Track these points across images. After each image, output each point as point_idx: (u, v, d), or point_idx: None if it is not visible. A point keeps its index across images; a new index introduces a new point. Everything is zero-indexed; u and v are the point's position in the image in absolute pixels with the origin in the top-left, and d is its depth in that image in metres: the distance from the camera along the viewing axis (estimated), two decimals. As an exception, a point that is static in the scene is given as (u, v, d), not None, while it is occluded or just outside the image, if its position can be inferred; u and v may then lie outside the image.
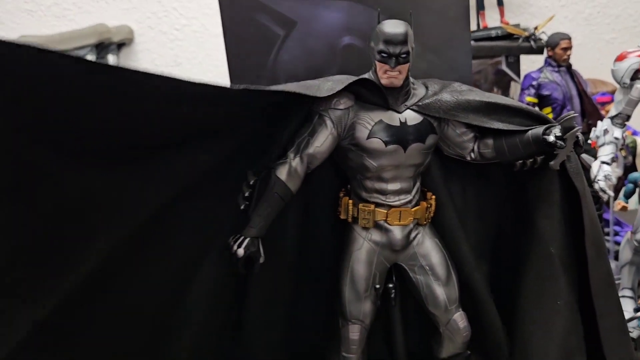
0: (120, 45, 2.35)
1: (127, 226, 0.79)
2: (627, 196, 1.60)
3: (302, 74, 1.02)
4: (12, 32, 2.16)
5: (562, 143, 0.85)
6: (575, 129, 0.84)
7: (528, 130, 0.90)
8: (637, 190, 1.56)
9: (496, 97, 0.94)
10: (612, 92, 1.76)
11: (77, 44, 2.20)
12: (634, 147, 1.89)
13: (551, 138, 0.86)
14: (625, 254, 1.42)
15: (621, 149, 1.72)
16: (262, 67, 1.07)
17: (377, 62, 0.88)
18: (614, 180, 1.33)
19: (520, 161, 0.95)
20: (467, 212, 1.03)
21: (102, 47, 2.28)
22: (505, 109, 0.92)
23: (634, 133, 1.95)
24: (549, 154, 0.89)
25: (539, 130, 0.88)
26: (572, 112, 0.86)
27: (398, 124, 0.91)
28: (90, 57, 2.24)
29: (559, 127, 0.86)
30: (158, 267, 0.84)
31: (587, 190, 0.93)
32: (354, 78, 0.90)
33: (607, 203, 1.70)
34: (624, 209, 1.58)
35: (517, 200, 1.00)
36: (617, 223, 1.89)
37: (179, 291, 0.89)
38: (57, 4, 2.23)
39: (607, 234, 1.73)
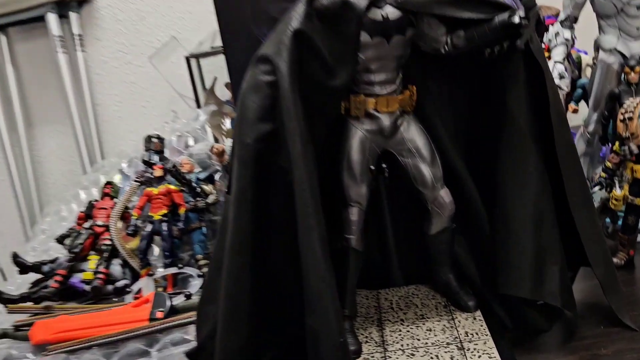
0: (82, 3, 2.35)
1: None
2: (577, 100, 1.77)
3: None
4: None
5: (526, 21, 0.96)
6: (535, 7, 0.96)
7: (494, 17, 1.01)
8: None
9: (464, -9, 1.05)
10: (556, 15, 1.89)
11: (39, 1, 2.20)
12: (580, 63, 2.06)
13: (516, 19, 0.97)
14: (580, 146, 1.58)
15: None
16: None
17: None
18: (567, 77, 1.47)
19: (489, 49, 1.06)
20: (443, 104, 1.15)
21: (63, 5, 2.28)
22: (472, 1, 1.03)
23: (579, 52, 2.11)
24: (514, 36, 1.01)
25: (504, 15, 0.99)
26: (532, -8, 0.98)
27: (381, 19, 1.00)
28: (52, 15, 2.24)
29: (522, 8, 0.97)
30: None
31: (548, 67, 1.05)
32: None
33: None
34: (575, 111, 1.74)
35: (487, 89, 1.12)
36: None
37: None
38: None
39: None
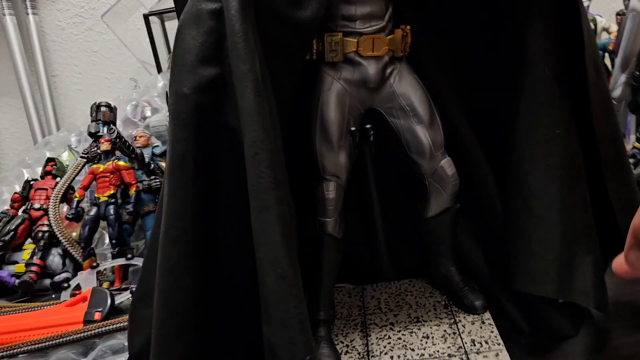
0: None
1: None
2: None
3: None
4: None
5: None
6: None
7: None
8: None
9: None
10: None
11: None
12: (595, 27, 1.84)
13: None
14: (603, 116, 1.34)
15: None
16: None
17: None
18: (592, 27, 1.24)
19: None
20: (444, 48, 0.90)
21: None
22: None
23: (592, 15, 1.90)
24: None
25: None
26: None
27: None
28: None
29: None
30: None
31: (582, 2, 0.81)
32: None
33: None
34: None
35: (502, 26, 0.87)
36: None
37: None
38: None
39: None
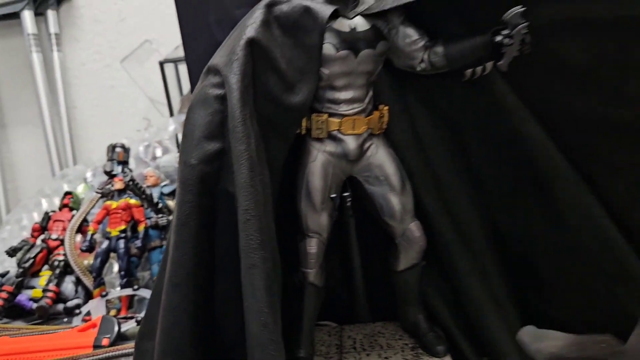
0: (60, 0, 2.24)
1: None
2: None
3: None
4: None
5: (509, 40, 0.86)
6: (521, 25, 0.85)
7: (475, 35, 0.91)
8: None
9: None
10: None
11: (15, -3, 2.10)
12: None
13: (498, 38, 0.87)
14: None
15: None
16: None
17: None
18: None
19: (470, 70, 0.95)
20: (417, 123, 1.04)
21: (41, 1, 2.18)
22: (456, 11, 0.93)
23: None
24: (498, 56, 0.90)
25: (487, 34, 0.89)
26: (519, 6, 0.87)
27: (348, 30, 0.90)
28: (28, 11, 2.14)
29: (508, 25, 0.87)
30: None
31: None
32: None
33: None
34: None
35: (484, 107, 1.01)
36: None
37: None
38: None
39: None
